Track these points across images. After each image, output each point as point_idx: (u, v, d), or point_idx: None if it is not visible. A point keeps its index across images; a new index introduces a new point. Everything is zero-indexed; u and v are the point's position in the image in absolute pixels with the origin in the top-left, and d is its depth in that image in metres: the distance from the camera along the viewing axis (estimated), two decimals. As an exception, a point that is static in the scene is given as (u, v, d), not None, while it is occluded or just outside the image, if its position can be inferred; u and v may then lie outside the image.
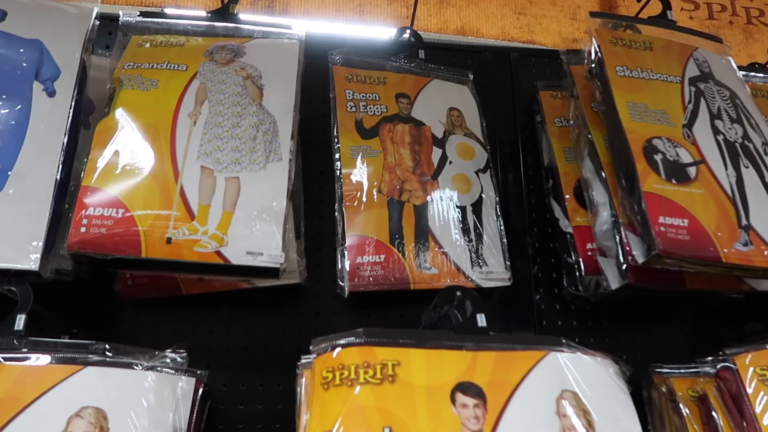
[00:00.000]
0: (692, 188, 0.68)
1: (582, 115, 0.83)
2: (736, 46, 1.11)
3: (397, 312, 0.78)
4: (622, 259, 0.72)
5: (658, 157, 0.70)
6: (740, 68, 0.92)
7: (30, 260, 0.59)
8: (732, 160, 0.72)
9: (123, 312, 0.75)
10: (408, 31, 0.94)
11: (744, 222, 0.68)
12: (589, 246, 0.79)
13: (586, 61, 0.82)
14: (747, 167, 0.72)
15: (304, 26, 0.83)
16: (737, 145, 0.74)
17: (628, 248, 0.71)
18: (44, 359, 0.57)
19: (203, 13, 0.83)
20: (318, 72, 0.87)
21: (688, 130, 0.74)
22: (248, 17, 0.84)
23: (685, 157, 0.71)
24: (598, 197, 0.79)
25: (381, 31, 0.98)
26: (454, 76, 0.94)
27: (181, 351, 0.62)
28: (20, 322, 0.58)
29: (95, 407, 0.56)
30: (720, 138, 0.74)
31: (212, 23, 0.81)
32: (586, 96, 0.83)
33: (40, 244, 0.60)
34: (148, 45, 0.77)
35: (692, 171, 0.70)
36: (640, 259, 0.68)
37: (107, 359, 0.58)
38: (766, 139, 0.75)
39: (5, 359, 0.56)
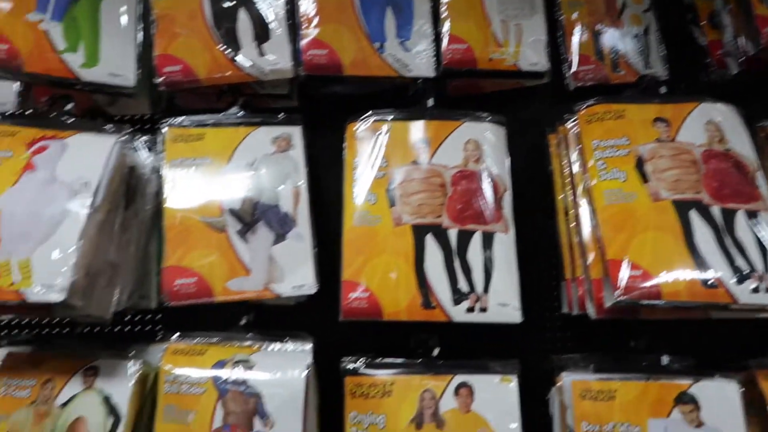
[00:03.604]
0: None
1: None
2: None
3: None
4: (739, 56, 1.23)
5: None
6: None
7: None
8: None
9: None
10: None
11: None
12: (718, 52, 1.29)
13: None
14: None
15: None
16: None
17: (742, 49, 1.21)
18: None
19: None
20: None
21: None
22: None
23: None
24: (725, 21, 1.28)
25: None
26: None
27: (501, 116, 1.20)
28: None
29: (475, 139, 1.16)
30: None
31: None
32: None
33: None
34: None
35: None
36: (751, 52, 1.18)
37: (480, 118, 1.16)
38: None
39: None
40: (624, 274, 0.95)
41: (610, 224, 1.00)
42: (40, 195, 1.03)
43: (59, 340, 1.25)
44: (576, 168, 1.11)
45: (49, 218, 1.00)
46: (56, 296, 0.94)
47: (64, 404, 1.05)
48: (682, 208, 1.00)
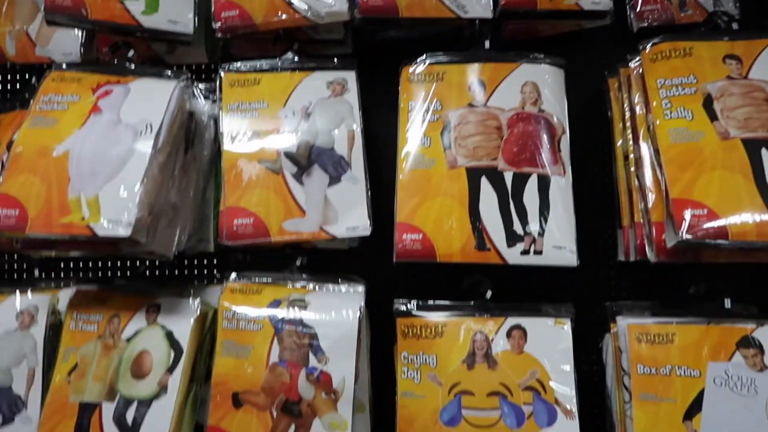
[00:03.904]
0: None
1: None
2: None
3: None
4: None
5: None
6: None
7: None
8: None
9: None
10: None
11: None
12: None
13: None
14: None
15: None
16: None
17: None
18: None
19: None
20: None
21: None
22: None
23: None
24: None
25: None
26: None
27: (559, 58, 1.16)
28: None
29: (532, 81, 1.13)
30: None
31: None
32: None
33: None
34: None
35: None
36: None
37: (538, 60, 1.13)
38: None
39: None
40: (688, 213, 0.92)
41: (675, 164, 0.96)
42: (105, 136, 1.06)
43: (123, 280, 1.31)
44: (639, 109, 1.08)
45: (115, 157, 1.04)
46: (123, 231, 0.98)
47: (130, 338, 1.10)
48: (754, 146, 0.96)
